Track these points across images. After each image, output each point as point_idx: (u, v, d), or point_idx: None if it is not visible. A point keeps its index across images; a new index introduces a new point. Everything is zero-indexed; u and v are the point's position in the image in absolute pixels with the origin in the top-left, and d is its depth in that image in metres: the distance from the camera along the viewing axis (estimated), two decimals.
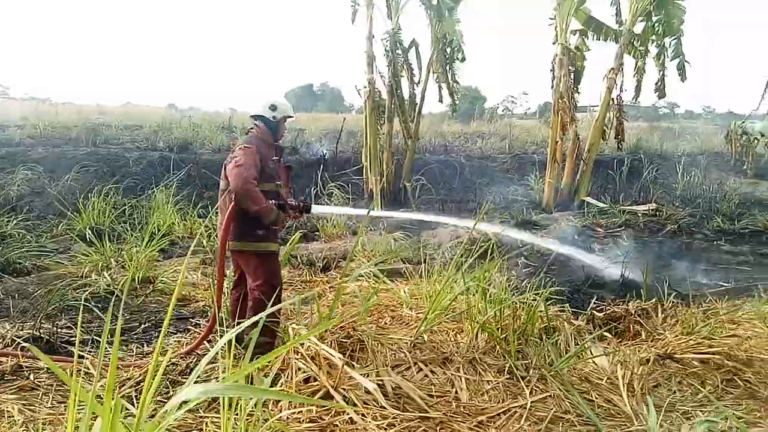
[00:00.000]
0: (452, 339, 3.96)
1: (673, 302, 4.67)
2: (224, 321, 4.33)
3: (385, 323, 4.42)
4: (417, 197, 10.78)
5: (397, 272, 6.04)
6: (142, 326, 4.62)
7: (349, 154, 12.53)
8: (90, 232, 6.49)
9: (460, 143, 18.31)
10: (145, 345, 4.29)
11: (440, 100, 11.93)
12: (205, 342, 3.94)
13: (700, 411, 3.25)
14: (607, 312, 4.49)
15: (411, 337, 3.83)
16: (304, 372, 3.29)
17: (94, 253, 5.79)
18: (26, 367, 3.58)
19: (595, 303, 4.77)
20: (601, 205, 10.02)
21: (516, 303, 3.98)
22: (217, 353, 2.28)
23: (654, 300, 4.67)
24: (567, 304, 4.74)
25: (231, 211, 3.81)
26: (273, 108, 3.97)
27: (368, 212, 4.93)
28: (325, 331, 3.58)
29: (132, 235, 6.53)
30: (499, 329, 3.84)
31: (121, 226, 7.35)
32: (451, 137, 19.43)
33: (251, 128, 4.08)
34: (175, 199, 8.40)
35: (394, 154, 11.63)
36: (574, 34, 10.55)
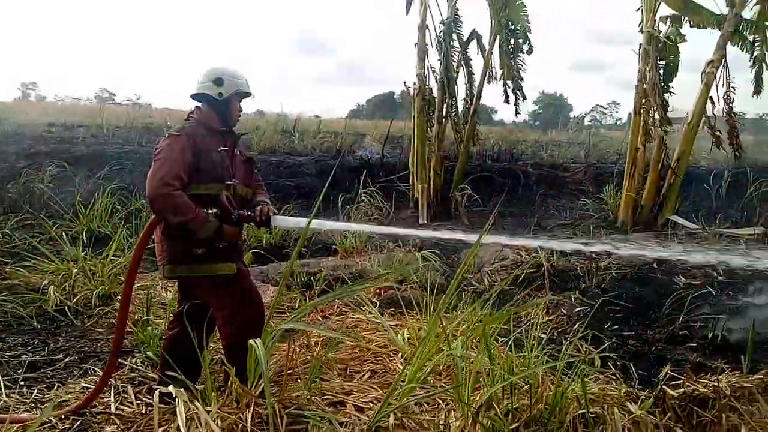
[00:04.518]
0: (441, 420, 2.69)
1: None
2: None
3: (360, 380, 3.23)
4: (466, 208, 9.40)
5: (415, 303, 4.79)
6: (68, 358, 3.72)
7: (398, 159, 11.34)
8: (84, 236, 5.79)
9: (531, 151, 16.61)
10: (58, 386, 3.35)
11: (506, 101, 10.46)
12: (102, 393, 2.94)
13: None
14: (686, 389, 3.01)
15: (373, 414, 2.60)
16: None
17: (59, 262, 4.98)
18: None
19: (669, 371, 3.30)
20: (692, 226, 8.20)
21: (538, 373, 2.66)
22: None
23: (763, 374, 3.14)
24: (631, 368, 3.33)
25: (149, 224, 2.83)
26: (218, 82, 2.90)
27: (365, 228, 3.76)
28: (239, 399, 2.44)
29: (118, 239, 5.67)
30: (509, 415, 2.54)
31: (126, 230, 6.57)
32: (524, 145, 17.76)
33: (191, 112, 3.05)
34: None
35: (447, 160, 10.33)
36: (665, 22, 8.81)
